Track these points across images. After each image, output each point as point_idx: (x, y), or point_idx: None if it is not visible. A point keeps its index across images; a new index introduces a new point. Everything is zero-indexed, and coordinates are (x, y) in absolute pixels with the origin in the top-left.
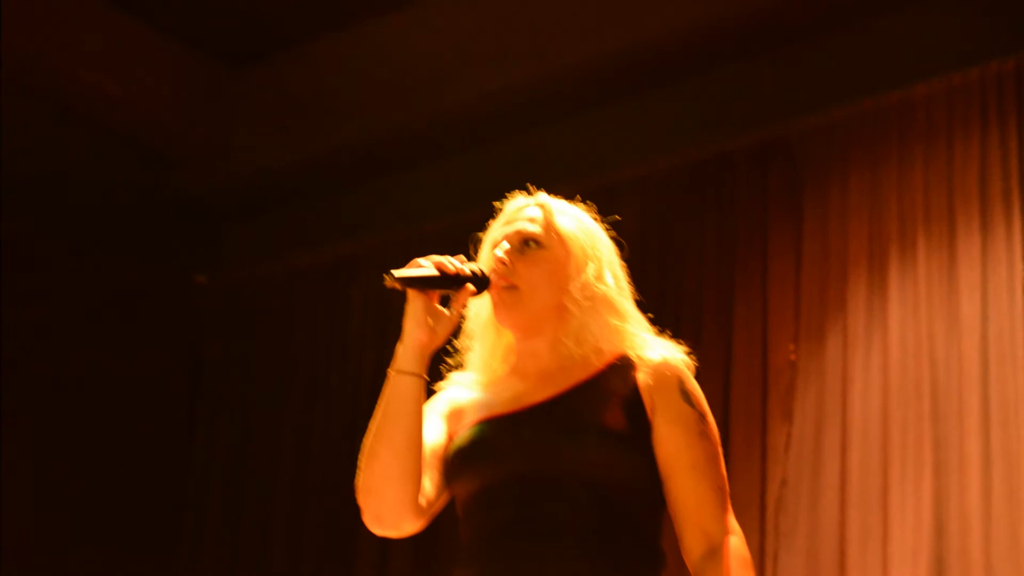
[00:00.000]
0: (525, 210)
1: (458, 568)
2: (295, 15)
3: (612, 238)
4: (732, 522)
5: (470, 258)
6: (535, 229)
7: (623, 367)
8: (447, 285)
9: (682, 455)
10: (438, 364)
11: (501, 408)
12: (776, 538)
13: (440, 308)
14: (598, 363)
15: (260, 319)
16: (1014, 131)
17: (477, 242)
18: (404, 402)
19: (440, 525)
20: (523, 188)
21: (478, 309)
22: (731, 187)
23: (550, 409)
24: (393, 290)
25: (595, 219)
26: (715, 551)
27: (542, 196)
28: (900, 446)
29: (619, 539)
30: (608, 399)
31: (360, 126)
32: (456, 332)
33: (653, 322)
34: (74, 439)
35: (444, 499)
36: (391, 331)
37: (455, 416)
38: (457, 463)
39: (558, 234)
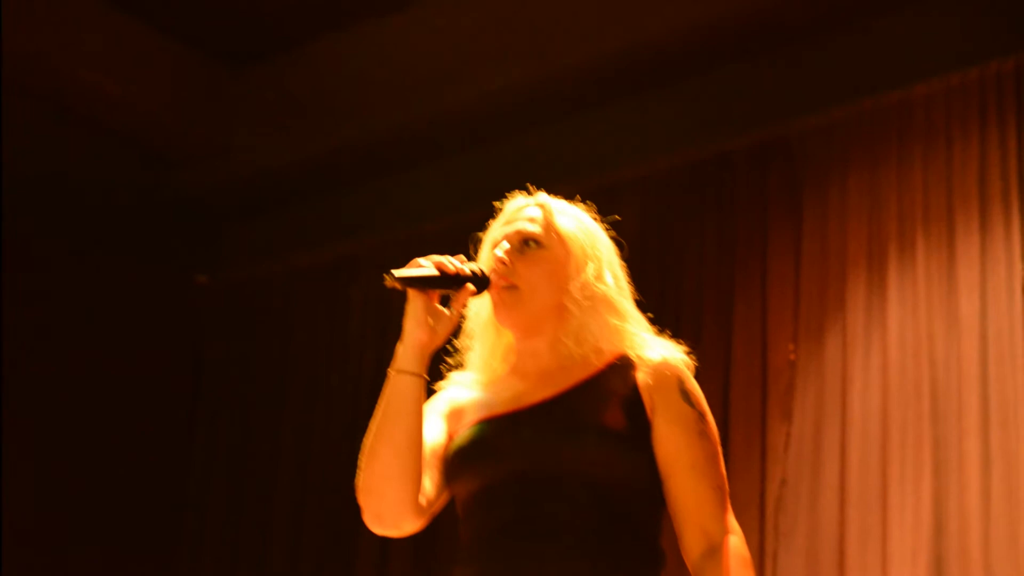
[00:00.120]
0: (525, 210)
1: (458, 567)
2: (295, 15)
3: (612, 238)
4: (732, 521)
5: (470, 258)
6: (535, 229)
7: (623, 367)
8: (447, 285)
9: (682, 454)
10: (438, 364)
11: (501, 408)
12: (775, 537)
13: (440, 308)
14: (598, 363)
15: (260, 319)
16: (1013, 131)
17: (477, 242)
18: (404, 402)
19: (440, 525)
20: (523, 188)
21: (478, 309)
22: (731, 187)
23: (550, 409)
24: (393, 290)
25: (595, 219)
26: (715, 550)
27: (542, 196)
28: (899, 446)
29: (619, 538)
30: (608, 399)
31: (360, 126)
32: (456, 332)
33: (653, 322)
34: (74, 439)
35: (444, 498)
36: (391, 331)
37: (455, 416)
38: (457, 462)
39: (558, 234)
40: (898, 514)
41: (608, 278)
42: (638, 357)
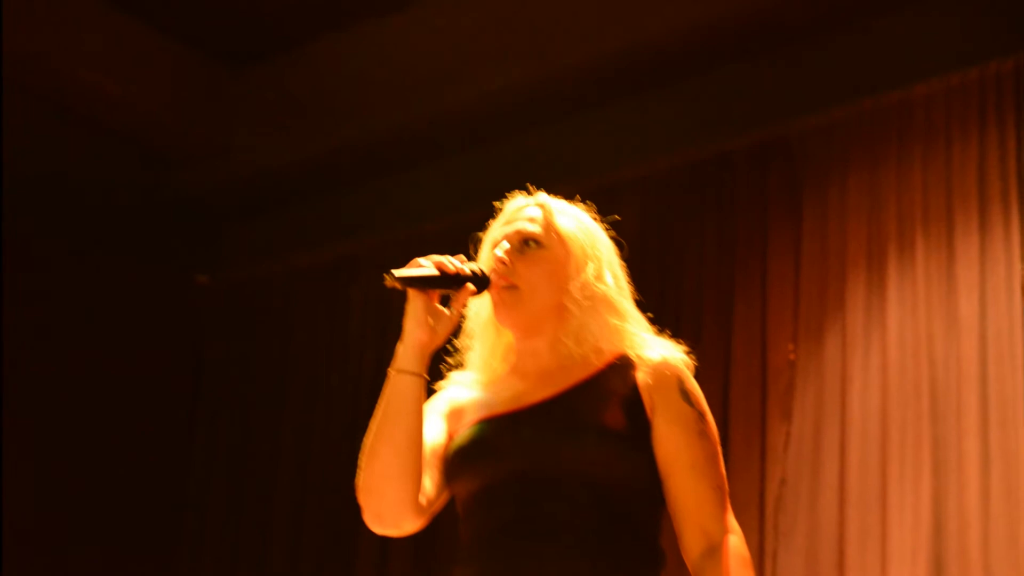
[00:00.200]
0: (525, 210)
1: (458, 567)
2: (295, 15)
3: (612, 238)
4: (731, 521)
5: (470, 258)
6: (535, 229)
7: (623, 366)
8: (447, 285)
9: (682, 454)
10: (438, 363)
11: (501, 407)
12: (775, 537)
13: (440, 308)
14: (598, 363)
15: (260, 319)
16: (1012, 131)
17: (477, 242)
18: (404, 401)
19: (440, 524)
20: (523, 188)
21: (478, 309)
22: (731, 187)
23: (550, 408)
24: (393, 290)
25: (595, 219)
26: (714, 550)
27: (542, 196)
28: (899, 445)
29: (619, 538)
30: (608, 398)
31: (360, 126)
32: (456, 331)
33: (653, 322)
34: (75, 439)
35: (444, 498)
36: (391, 331)
37: (455, 415)
38: (457, 462)
39: (558, 234)
40: (897, 514)
41: (608, 278)
42: (638, 357)
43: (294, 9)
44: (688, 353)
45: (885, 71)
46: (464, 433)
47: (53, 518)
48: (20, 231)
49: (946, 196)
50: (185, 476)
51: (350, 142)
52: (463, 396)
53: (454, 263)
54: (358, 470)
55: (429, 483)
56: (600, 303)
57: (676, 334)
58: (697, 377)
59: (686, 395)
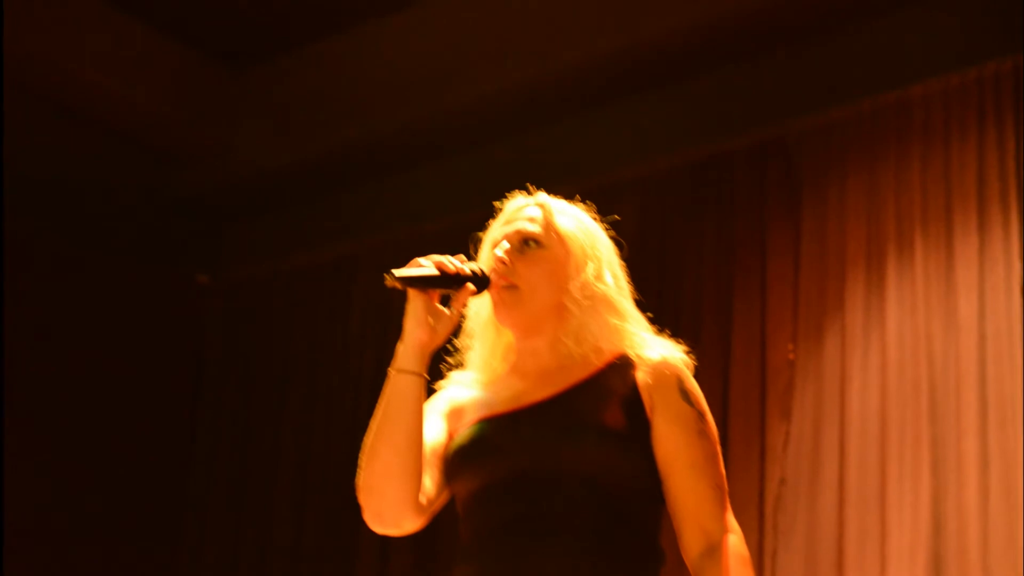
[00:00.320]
0: (525, 210)
1: (458, 566)
2: (296, 16)
3: (612, 238)
4: (731, 520)
5: (470, 258)
6: (535, 229)
7: (622, 366)
8: (447, 284)
9: (681, 454)
10: (438, 363)
11: (501, 407)
12: (775, 536)
13: (440, 307)
14: (598, 362)
15: (260, 319)
16: (1011, 132)
17: (477, 242)
18: (405, 401)
19: (440, 523)
20: (523, 188)
21: (478, 308)
22: (730, 187)
23: (550, 408)
24: (393, 289)
25: (595, 219)
26: (714, 549)
27: (542, 196)
28: (898, 445)
29: (618, 537)
30: (608, 398)
31: (360, 126)
32: (456, 331)
33: (652, 321)
34: (76, 439)
35: (444, 497)
36: (391, 331)
37: (455, 415)
38: (457, 461)
39: (558, 234)
40: (897, 513)
41: (608, 278)
42: (638, 356)
43: (294, 9)
44: (688, 353)
45: (884, 71)
46: (464, 432)
47: (54, 517)
48: (21, 231)
49: (945, 196)
50: (185, 476)
51: (350, 142)
52: (463, 396)
53: (454, 263)
54: (358, 469)
55: (429, 482)
56: (600, 303)
57: (675, 334)
58: (696, 377)
59: (686, 394)
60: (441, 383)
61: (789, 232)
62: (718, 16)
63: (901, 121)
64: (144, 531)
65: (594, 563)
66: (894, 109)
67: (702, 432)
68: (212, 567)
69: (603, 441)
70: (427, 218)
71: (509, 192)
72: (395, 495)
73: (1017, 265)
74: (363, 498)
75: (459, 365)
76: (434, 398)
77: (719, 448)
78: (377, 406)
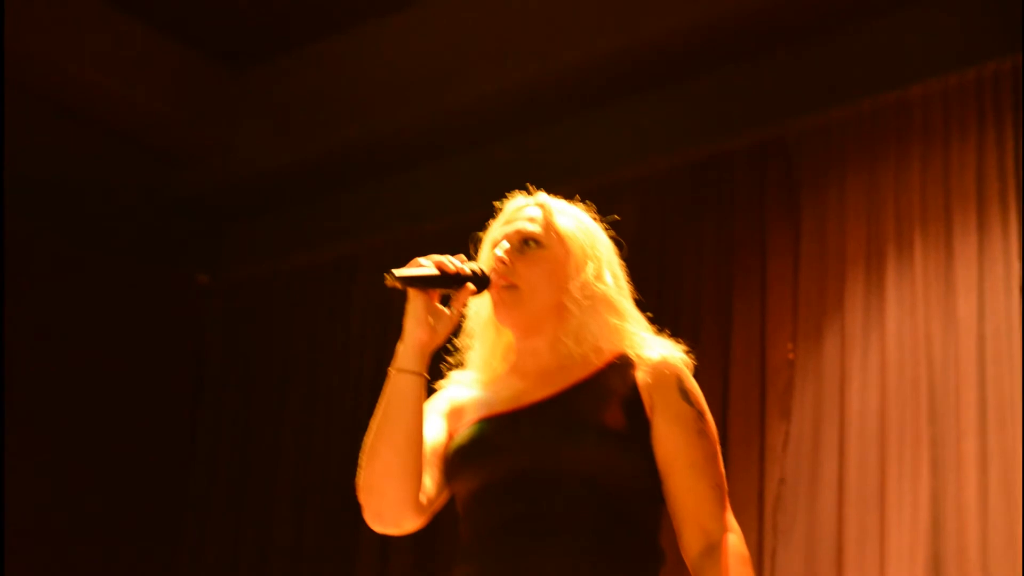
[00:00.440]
0: (525, 210)
1: (458, 565)
2: (296, 16)
3: (611, 238)
4: (731, 520)
5: (470, 258)
6: (535, 229)
7: (622, 366)
8: (447, 284)
9: (681, 453)
10: (439, 363)
11: (501, 406)
12: (774, 536)
13: (440, 307)
14: (597, 362)
15: (260, 319)
16: (1010, 132)
17: (477, 242)
18: (405, 401)
19: (440, 523)
20: (523, 188)
21: (478, 308)
22: (730, 187)
23: (550, 407)
24: (393, 289)
25: (595, 219)
26: (714, 548)
27: (542, 196)
28: (897, 444)
29: (618, 537)
30: (607, 398)
31: (360, 126)
32: (456, 331)
33: (652, 321)
34: (76, 439)
35: (444, 497)
36: (391, 331)
37: (455, 414)
38: (457, 461)
39: (558, 234)
40: (896, 513)
41: (608, 278)
42: (637, 356)
43: (294, 10)
44: (687, 352)
45: (883, 71)
46: (464, 432)
47: (55, 518)
48: (21, 231)
49: (944, 196)
50: (185, 476)
51: (350, 142)
52: (463, 395)
53: (454, 263)
54: (358, 469)
55: (429, 482)
56: (600, 303)
57: (675, 333)
58: (696, 376)
59: (685, 394)
60: (441, 383)
61: (789, 232)
62: (718, 16)
63: (901, 121)
64: (144, 531)
65: (594, 563)
66: (894, 109)
67: (702, 432)
68: (212, 567)
69: (603, 441)
70: (427, 218)
71: (509, 192)
72: (395, 494)
73: (1016, 265)
74: (363, 497)
75: (459, 365)
76: (434, 398)
77: (719, 448)
78: (377, 406)
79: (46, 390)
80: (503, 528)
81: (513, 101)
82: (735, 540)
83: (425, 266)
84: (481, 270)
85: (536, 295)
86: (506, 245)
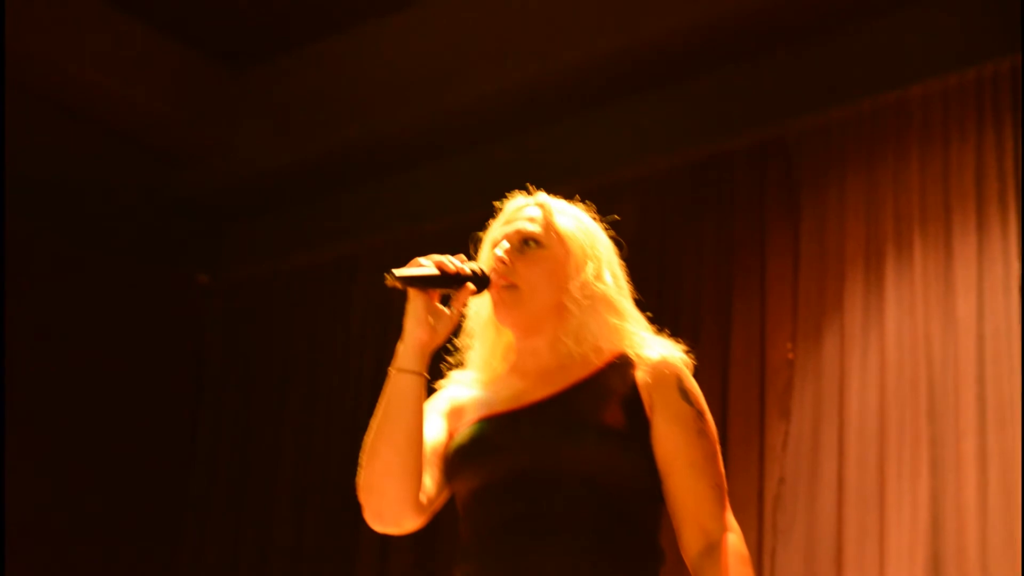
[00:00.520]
0: (525, 210)
1: (458, 565)
2: (296, 16)
3: (611, 238)
4: (730, 519)
5: (470, 258)
6: (535, 229)
7: (622, 365)
8: (447, 284)
9: (681, 453)
10: (439, 362)
11: (501, 406)
12: (774, 535)
13: (441, 307)
14: (597, 361)
15: (260, 319)
16: (1010, 132)
17: (477, 242)
18: (405, 400)
19: (440, 523)
20: (523, 188)
21: (478, 308)
22: (729, 187)
23: (550, 407)
24: (394, 289)
25: (595, 219)
26: (713, 548)
27: (542, 196)
28: (897, 444)
29: (618, 536)
30: (607, 397)
31: (360, 126)
32: (456, 331)
33: (652, 321)
34: (76, 439)
35: (445, 496)
36: (391, 331)
37: (455, 414)
38: (457, 460)
39: (558, 234)
40: (896, 512)
41: (607, 277)
42: (637, 356)
43: (294, 9)
44: (687, 352)
45: (883, 72)
46: (464, 431)
47: (55, 517)
48: (21, 231)
49: (944, 196)
50: (186, 476)
51: (350, 142)
52: (463, 395)
53: (454, 263)
54: (358, 468)
55: (429, 481)
56: (600, 302)
57: (675, 333)
58: (696, 376)
59: (685, 394)
60: (441, 383)
61: (788, 232)
62: (718, 16)
63: (900, 121)
64: (144, 531)
65: (594, 562)
66: (893, 109)
67: (701, 431)
68: (212, 567)
69: (603, 440)
70: (427, 218)
71: (509, 192)
72: (395, 494)
73: (1015, 265)
74: (363, 497)
75: (459, 365)
76: (434, 397)
77: (718, 447)
78: (377, 405)
79: (46, 390)
80: (503, 527)
81: (513, 101)
82: (735, 540)
83: (425, 266)
84: (481, 270)
85: (536, 295)
86: (506, 245)
